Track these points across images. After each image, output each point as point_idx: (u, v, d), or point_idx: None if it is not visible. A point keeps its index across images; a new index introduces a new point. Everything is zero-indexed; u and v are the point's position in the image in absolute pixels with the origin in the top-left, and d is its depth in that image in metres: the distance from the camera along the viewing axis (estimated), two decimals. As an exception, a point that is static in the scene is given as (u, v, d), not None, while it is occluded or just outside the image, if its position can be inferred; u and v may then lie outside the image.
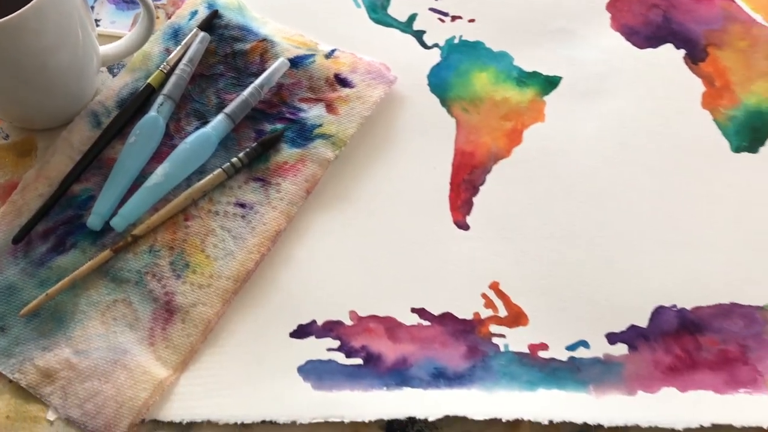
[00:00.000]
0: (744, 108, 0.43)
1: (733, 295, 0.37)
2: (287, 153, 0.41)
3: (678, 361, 0.36)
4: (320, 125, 0.41)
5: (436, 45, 0.46)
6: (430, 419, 0.34)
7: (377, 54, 0.45)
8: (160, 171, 0.39)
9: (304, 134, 0.41)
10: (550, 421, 0.33)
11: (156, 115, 0.41)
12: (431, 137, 0.43)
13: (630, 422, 0.34)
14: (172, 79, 0.42)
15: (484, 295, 0.38)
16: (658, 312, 0.37)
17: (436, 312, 0.37)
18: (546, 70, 0.45)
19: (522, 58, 0.45)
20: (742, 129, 0.42)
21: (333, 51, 0.44)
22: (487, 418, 0.34)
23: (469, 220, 0.40)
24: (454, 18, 0.47)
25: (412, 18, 0.47)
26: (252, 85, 0.42)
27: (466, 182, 0.41)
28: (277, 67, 0.42)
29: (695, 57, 0.45)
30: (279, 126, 0.42)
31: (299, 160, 0.40)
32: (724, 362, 0.36)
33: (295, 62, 0.43)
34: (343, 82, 0.43)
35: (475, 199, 0.41)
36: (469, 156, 0.42)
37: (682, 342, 0.36)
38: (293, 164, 0.40)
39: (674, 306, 0.37)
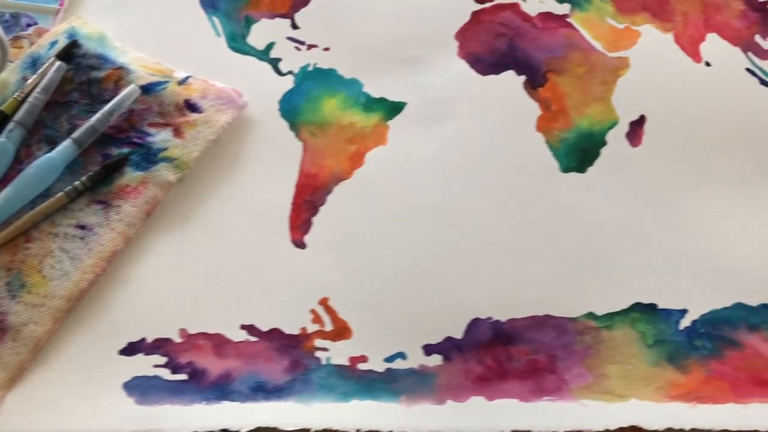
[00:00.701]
0: (576, 131, 0.45)
1: (548, 307, 0.39)
2: (131, 176, 0.42)
3: (489, 370, 0.37)
4: (165, 149, 0.43)
5: (290, 72, 0.48)
6: (243, 431, 0.35)
7: (234, 81, 0.47)
8: (2, 195, 0.41)
9: (149, 158, 0.43)
10: (358, 431, 0.35)
11: (5, 141, 0.42)
12: (278, 160, 0.44)
13: (435, 430, 0.35)
14: (25, 106, 0.44)
15: (312, 311, 0.39)
16: (474, 324, 0.39)
17: (265, 328, 0.39)
18: (393, 96, 0.47)
19: (372, 84, 0.47)
20: (573, 150, 0.45)
21: (187, 78, 0.46)
22: (297, 428, 0.35)
23: (306, 239, 0.42)
24: (310, 47, 0.49)
25: (270, 46, 0.49)
26: (101, 111, 0.43)
27: (307, 203, 0.43)
28: (126, 93, 0.44)
29: (535, 83, 0.47)
30: (125, 150, 0.43)
31: (141, 183, 0.42)
32: (532, 371, 0.37)
33: (147, 89, 0.45)
34: (193, 108, 0.44)
35: (314, 219, 0.42)
36: (312, 178, 0.44)
37: (494, 352, 0.38)
38: (135, 187, 0.42)
39: (490, 318, 0.39)
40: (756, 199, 0.43)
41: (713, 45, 0.49)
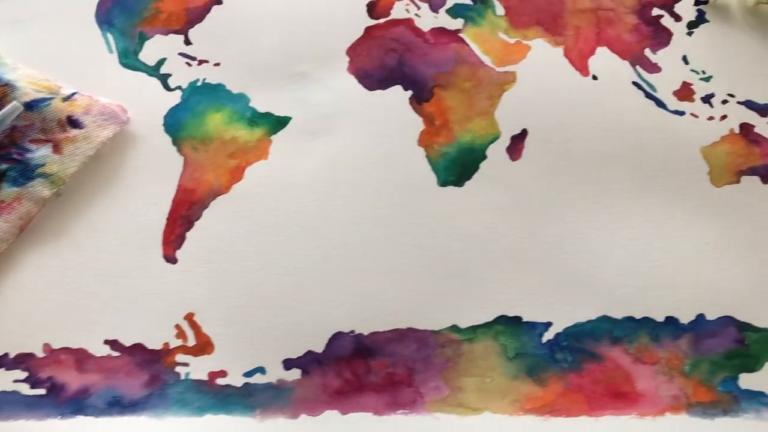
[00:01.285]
0: (457, 145, 0.46)
1: (413, 320, 0.40)
2: (5, 192, 0.42)
3: (346, 384, 0.37)
4: (43, 165, 0.43)
5: (179, 87, 0.48)
6: (92, 445, 0.35)
7: (123, 97, 0.47)
8: None
9: (26, 174, 0.43)
10: (207, 445, 0.35)
11: None
12: (158, 175, 0.45)
13: (286, 444, 0.35)
14: None
15: (177, 326, 0.40)
16: (335, 337, 0.39)
17: (128, 343, 0.39)
18: (279, 111, 0.47)
19: (259, 99, 0.48)
20: (452, 164, 0.45)
21: (73, 94, 0.46)
22: (146, 442, 0.35)
23: (179, 254, 0.42)
24: (201, 62, 0.49)
25: (161, 62, 0.49)
26: (-20, 128, 0.44)
27: (182, 218, 0.43)
28: (7, 110, 0.44)
29: (420, 97, 0.48)
30: (3, 166, 0.43)
31: (15, 199, 0.42)
32: (389, 385, 0.38)
33: (31, 105, 0.45)
34: (74, 123, 0.45)
35: (188, 234, 0.43)
36: (190, 193, 0.44)
37: (353, 366, 0.38)
38: (9, 203, 0.42)
39: (352, 331, 0.39)
40: (630, 214, 0.43)
41: (603, 58, 0.49)
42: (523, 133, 0.46)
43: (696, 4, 0.52)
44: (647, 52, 0.50)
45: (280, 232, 0.42)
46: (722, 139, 0.46)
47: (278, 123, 0.47)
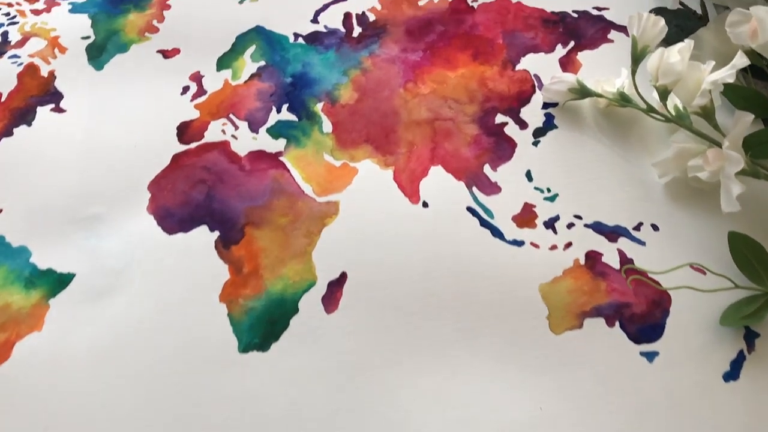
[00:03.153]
0: (266, 297, 0.40)
1: None
2: None
3: None
4: None
5: (-49, 243, 0.42)
6: None
7: None
8: None
9: None
10: None
11: None
12: None
13: None
14: None
15: None
16: None
17: None
18: (62, 267, 0.41)
19: (41, 252, 0.42)
20: (258, 323, 0.39)
21: None
22: None
23: (-76, 460, 0.36)
24: (-21, 210, 0.43)
25: (-68, 213, 0.43)
26: None
27: (-66, 412, 0.37)
28: None
29: (228, 240, 0.42)
30: None
31: None
32: None
33: None
34: None
35: (-62, 433, 0.36)
36: (-54, 379, 0.38)
37: None
38: None
39: None
40: (456, 373, 0.38)
41: (436, 180, 0.44)
42: (342, 278, 0.41)
43: (544, 107, 0.47)
44: (486, 168, 0.45)
45: (52, 420, 0.36)
46: (565, 274, 0.41)
47: (59, 283, 0.41)
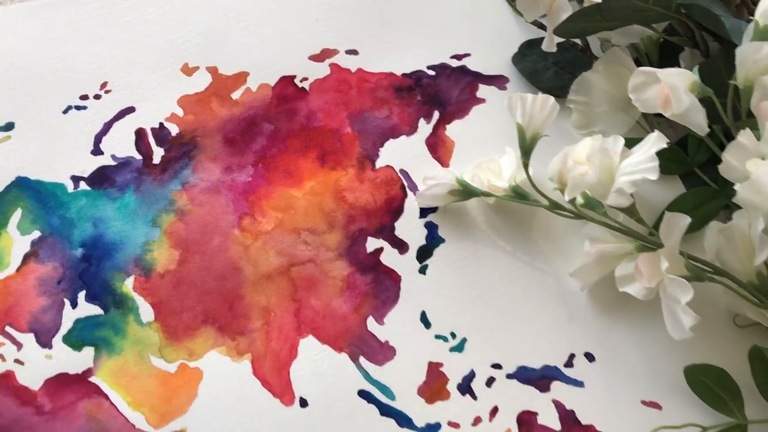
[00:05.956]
0: None
1: None
2: None
3: None
4: None
5: None
6: None
7: None
8: None
9: None
10: None
11: None
12: None
13: None
14: None
15: None
16: None
17: None
18: None
19: None
20: None
21: None
22: None
23: None
24: None
25: None
26: None
27: None
28: None
29: None
30: None
31: None
32: None
33: None
34: None
35: None
36: None
37: None
38: None
39: None
40: None
41: (310, 361, 0.33)
42: None
43: (422, 215, 0.37)
44: (371, 323, 0.34)
45: None
46: (499, 456, 0.32)
47: None
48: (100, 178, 0.37)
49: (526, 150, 0.34)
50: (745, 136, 0.31)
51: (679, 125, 0.34)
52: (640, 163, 0.31)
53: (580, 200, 0.34)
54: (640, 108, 0.33)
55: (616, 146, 0.33)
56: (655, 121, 0.39)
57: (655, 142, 0.31)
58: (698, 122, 0.32)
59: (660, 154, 0.32)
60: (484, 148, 0.38)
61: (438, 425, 0.32)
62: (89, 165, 0.38)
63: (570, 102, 0.38)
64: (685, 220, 0.31)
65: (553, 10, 0.36)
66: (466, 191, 0.36)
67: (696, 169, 0.37)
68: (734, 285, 0.32)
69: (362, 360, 0.33)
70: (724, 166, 0.31)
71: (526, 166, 0.34)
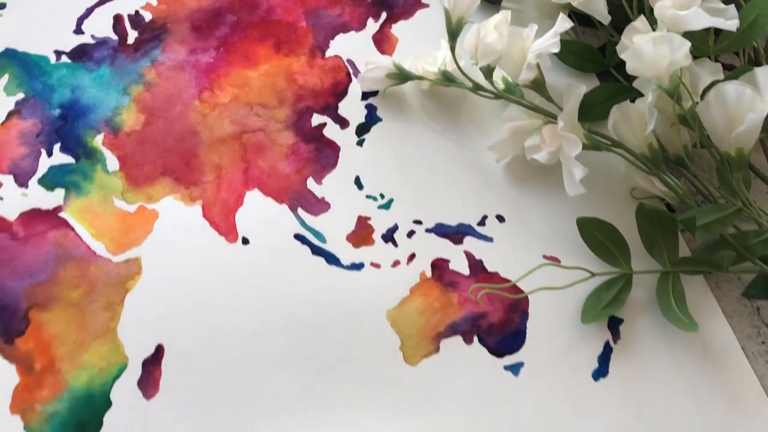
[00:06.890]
0: (69, 395, 0.33)
1: None
2: None
3: None
4: None
5: None
6: None
7: None
8: None
9: None
10: None
11: None
12: None
13: None
14: None
15: None
16: None
17: None
18: None
19: None
20: (64, 430, 0.32)
21: None
22: None
23: None
24: None
25: None
26: None
27: None
28: None
29: (10, 332, 0.34)
30: None
31: None
32: None
33: None
34: None
35: None
36: None
37: None
38: None
39: None
40: (310, 426, 0.33)
41: (254, 209, 0.38)
42: (158, 353, 0.34)
43: (364, 98, 0.42)
44: (310, 183, 0.39)
45: None
46: (412, 292, 0.36)
47: None
48: (80, 53, 0.42)
49: (453, 33, 0.39)
50: (639, 21, 0.36)
51: (602, 34, 0.38)
52: (546, 40, 0.36)
53: (500, 85, 0.39)
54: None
55: (530, 32, 0.37)
56: (580, 30, 0.43)
57: (560, 23, 0.36)
58: (600, 10, 0.37)
59: (582, 55, 0.37)
60: (425, 46, 0.43)
61: (362, 264, 0.37)
62: (71, 42, 0.42)
63: (504, 8, 0.42)
64: (581, 88, 0.35)
65: None
66: (402, 75, 0.40)
67: (611, 70, 0.42)
68: (629, 156, 0.37)
69: (300, 211, 0.38)
70: (620, 46, 0.36)
71: (452, 48, 0.39)
